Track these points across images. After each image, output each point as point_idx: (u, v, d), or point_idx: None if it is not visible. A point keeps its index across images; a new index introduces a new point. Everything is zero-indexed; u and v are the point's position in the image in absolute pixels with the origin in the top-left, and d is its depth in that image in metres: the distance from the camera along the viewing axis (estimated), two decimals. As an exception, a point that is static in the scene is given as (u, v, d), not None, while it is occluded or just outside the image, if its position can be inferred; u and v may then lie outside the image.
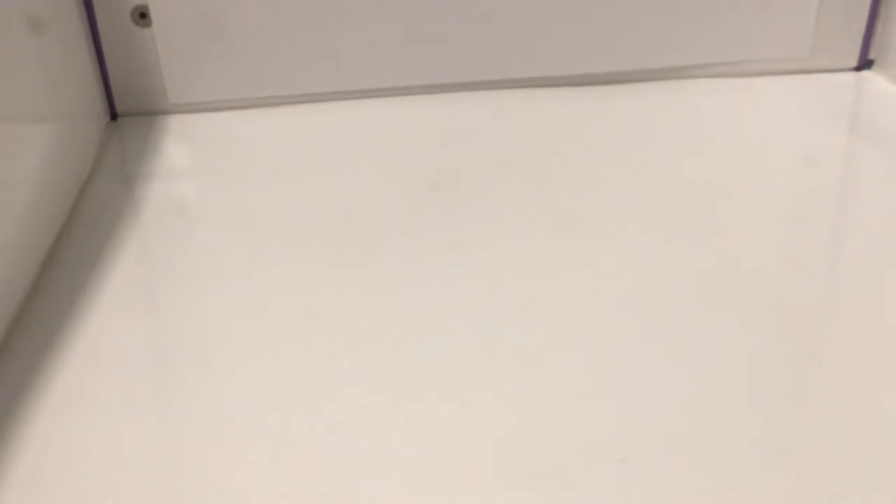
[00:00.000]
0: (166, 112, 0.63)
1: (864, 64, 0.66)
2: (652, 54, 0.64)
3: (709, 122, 0.61)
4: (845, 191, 0.54)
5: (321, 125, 0.62)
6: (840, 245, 0.49)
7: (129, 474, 0.35)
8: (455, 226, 0.50)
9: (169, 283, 0.47)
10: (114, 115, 0.63)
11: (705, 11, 0.63)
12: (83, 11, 0.59)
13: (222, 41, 0.61)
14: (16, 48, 0.48)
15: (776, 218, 0.51)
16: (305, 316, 0.43)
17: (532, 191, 0.53)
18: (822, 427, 0.36)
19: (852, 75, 0.66)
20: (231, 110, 0.63)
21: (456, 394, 0.38)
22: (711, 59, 0.64)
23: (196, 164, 0.60)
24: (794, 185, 0.54)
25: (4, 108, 0.45)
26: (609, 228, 0.49)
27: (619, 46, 0.64)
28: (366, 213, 0.51)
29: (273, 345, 0.42)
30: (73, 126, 0.56)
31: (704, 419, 0.37)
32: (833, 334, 0.42)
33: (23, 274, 0.45)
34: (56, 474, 0.35)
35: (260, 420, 0.37)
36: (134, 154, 0.59)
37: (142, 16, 0.60)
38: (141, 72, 0.61)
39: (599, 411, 0.37)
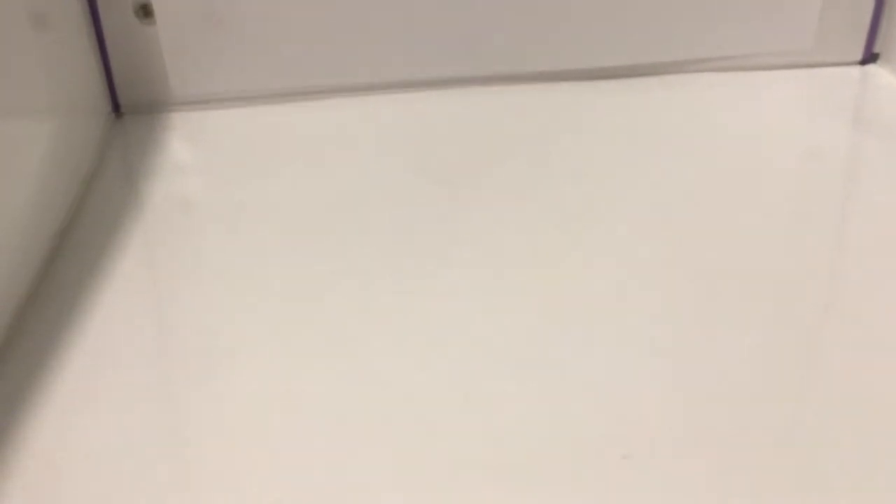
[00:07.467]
0: (170, 107, 0.63)
1: (869, 58, 0.66)
2: (655, 49, 0.64)
3: (712, 117, 0.61)
4: (850, 185, 0.54)
5: (326, 120, 0.62)
6: (845, 239, 0.49)
7: (134, 472, 0.35)
8: (459, 221, 0.50)
9: (173, 280, 0.47)
10: (117, 111, 0.63)
11: (709, 5, 0.63)
12: (86, 6, 0.59)
13: (226, 36, 0.61)
14: (18, 43, 0.48)
15: (780, 212, 0.51)
16: (310, 312, 0.43)
17: (534, 186, 0.53)
18: (826, 425, 0.36)
19: (857, 69, 0.65)
20: (235, 106, 0.63)
21: (458, 390, 0.38)
22: (715, 53, 0.64)
23: (200, 159, 0.60)
24: (799, 179, 0.54)
25: (7, 104, 0.45)
26: (613, 223, 0.49)
27: (622, 41, 0.63)
28: (371, 209, 0.51)
29: (278, 342, 0.42)
30: (76, 122, 0.56)
31: (707, 416, 0.37)
32: (838, 331, 0.42)
33: (26, 270, 0.45)
34: (60, 472, 0.35)
35: (264, 418, 0.38)
36: (137, 150, 0.59)
37: (145, 11, 0.60)
38: (144, 67, 0.61)
39: (601, 407, 0.37)
